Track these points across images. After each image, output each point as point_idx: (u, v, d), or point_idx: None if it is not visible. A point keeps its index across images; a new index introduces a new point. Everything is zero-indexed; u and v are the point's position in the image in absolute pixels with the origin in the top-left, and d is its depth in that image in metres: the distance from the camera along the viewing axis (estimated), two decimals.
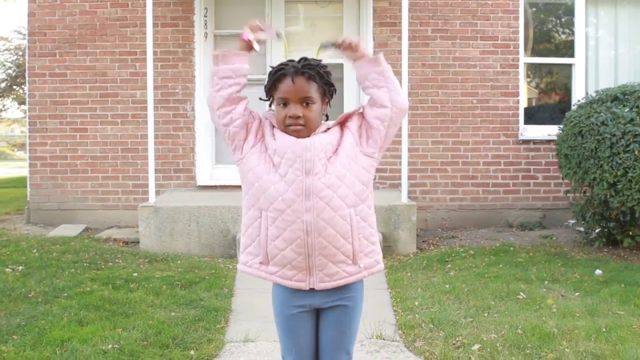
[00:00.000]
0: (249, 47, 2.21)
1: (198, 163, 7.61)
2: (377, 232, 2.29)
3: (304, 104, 2.16)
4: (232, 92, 2.18)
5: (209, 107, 2.26)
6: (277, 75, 2.18)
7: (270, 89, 2.23)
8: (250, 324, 4.04)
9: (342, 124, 2.27)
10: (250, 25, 2.20)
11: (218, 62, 2.21)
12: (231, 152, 2.26)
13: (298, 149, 2.14)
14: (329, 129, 2.24)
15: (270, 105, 2.29)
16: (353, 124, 2.25)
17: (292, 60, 2.21)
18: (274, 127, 2.24)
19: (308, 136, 2.18)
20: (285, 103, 2.17)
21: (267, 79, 2.24)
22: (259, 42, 2.22)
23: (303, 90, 2.15)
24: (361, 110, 2.27)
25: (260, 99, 2.34)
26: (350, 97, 7.59)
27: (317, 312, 2.31)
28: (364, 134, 2.23)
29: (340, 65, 7.62)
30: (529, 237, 6.91)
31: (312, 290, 2.23)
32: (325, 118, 2.29)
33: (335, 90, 2.26)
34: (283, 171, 2.15)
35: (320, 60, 2.23)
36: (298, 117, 2.15)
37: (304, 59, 2.21)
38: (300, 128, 2.16)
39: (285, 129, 2.17)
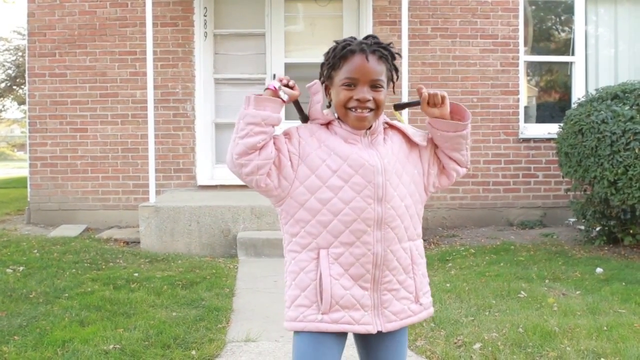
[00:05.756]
0: (276, 96, 1.87)
1: (198, 163, 7.60)
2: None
3: (374, 87, 1.87)
4: (258, 142, 1.81)
5: (228, 159, 1.87)
6: (345, 51, 1.87)
7: (333, 68, 1.90)
8: (251, 323, 4.04)
9: (404, 134, 1.99)
10: (279, 78, 1.92)
11: (249, 105, 1.83)
12: (265, 196, 1.94)
13: (367, 173, 1.86)
14: (386, 129, 1.97)
15: (323, 84, 1.96)
16: (426, 154, 2.01)
17: (353, 38, 1.92)
18: (316, 129, 1.94)
19: (370, 125, 1.90)
20: (352, 84, 1.86)
21: (327, 57, 1.93)
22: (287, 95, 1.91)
23: (375, 71, 1.86)
24: (425, 140, 2.01)
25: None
26: None
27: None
28: (433, 172, 2.03)
29: None
30: (530, 236, 6.90)
31: (379, 333, 1.93)
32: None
33: (398, 77, 1.99)
34: (348, 197, 1.85)
35: (389, 43, 1.95)
36: (367, 101, 1.85)
37: (372, 36, 1.92)
38: (367, 114, 1.87)
39: (346, 113, 1.88)
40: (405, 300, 1.96)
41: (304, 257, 1.90)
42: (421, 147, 2.00)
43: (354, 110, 1.87)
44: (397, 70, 1.96)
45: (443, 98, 1.94)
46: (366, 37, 1.92)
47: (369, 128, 1.92)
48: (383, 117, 1.98)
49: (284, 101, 1.88)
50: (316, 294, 1.88)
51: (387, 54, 1.90)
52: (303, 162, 1.88)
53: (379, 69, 1.87)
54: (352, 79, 1.86)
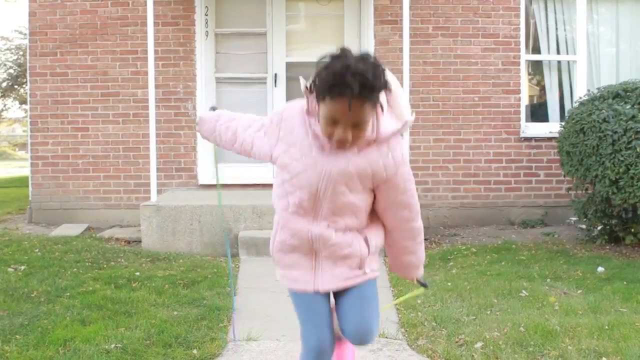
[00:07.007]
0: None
1: (200, 162, 7.60)
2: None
3: (355, 126, 1.95)
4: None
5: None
6: (333, 92, 1.88)
7: (319, 93, 1.95)
8: (252, 322, 4.04)
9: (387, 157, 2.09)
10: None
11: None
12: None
13: (315, 174, 2.10)
14: (374, 140, 2.05)
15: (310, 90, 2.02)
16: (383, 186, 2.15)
17: (348, 65, 1.85)
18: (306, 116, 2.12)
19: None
20: (334, 122, 1.95)
21: (316, 78, 1.94)
22: None
23: (357, 115, 1.91)
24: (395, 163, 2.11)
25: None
26: None
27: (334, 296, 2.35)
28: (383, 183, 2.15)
29: None
30: (531, 235, 6.90)
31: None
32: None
33: (391, 89, 2.00)
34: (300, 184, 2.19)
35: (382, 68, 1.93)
36: (347, 139, 1.98)
37: (363, 74, 1.85)
38: (347, 146, 2.02)
39: (329, 139, 2.01)
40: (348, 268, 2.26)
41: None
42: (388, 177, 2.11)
43: (334, 139, 1.99)
44: (389, 89, 1.97)
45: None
46: (357, 66, 1.84)
47: None
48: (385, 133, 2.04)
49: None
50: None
51: (374, 95, 1.90)
52: (280, 141, 2.16)
53: (361, 113, 1.90)
54: (335, 119, 1.93)
